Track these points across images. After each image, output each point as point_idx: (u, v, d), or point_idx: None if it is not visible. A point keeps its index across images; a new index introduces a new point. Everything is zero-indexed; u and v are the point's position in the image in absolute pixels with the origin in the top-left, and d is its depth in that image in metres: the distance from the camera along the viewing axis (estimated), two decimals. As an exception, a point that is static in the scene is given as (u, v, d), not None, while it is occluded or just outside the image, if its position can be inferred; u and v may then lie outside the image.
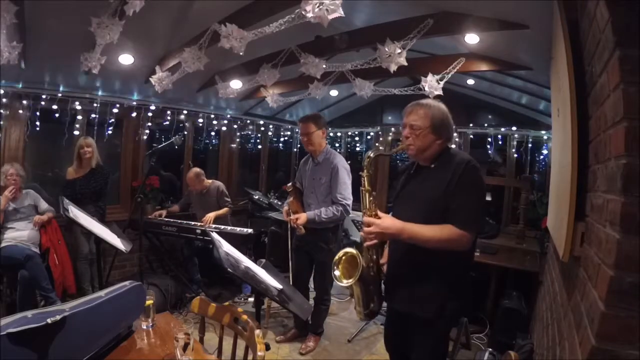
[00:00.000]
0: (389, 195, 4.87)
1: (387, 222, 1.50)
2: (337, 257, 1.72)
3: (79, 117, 3.50)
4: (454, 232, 1.41)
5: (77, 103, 3.42)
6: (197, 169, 3.73)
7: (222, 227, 3.49)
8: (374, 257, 1.65)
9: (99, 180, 3.34)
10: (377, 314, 1.73)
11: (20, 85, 3.15)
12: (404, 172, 1.78)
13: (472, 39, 2.38)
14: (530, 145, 4.04)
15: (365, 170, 1.65)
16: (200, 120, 4.44)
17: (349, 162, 2.89)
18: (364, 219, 1.57)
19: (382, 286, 1.72)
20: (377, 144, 5.23)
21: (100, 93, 3.56)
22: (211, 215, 3.52)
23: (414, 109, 1.57)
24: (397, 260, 1.64)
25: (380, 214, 1.57)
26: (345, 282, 1.65)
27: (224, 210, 3.65)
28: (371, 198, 1.61)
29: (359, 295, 1.68)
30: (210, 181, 3.81)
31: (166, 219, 3.66)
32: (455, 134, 4.11)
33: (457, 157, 1.52)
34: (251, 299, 3.57)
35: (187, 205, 3.96)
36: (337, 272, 1.70)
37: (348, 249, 1.73)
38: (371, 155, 1.67)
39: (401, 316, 1.65)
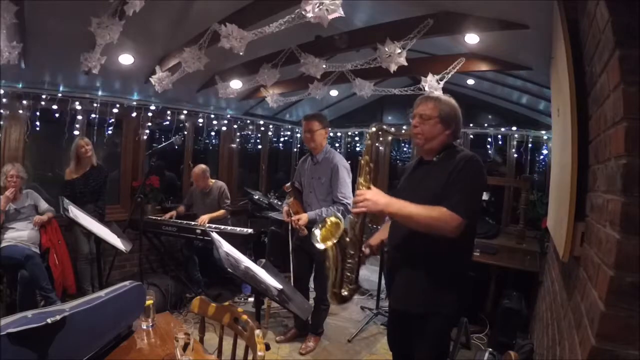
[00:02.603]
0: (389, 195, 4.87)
1: (377, 193, 1.50)
2: (323, 221, 1.70)
3: (79, 117, 3.50)
4: (444, 212, 1.39)
5: (77, 103, 3.42)
6: (203, 166, 3.74)
7: (222, 227, 3.49)
8: (359, 235, 1.60)
9: (97, 179, 3.34)
10: (348, 300, 1.68)
11: (20, 85, 3.15)
12: (406, 170, 1.78)
13: (472, 39, 2.38)
14: (530, 145, 4.04)
15: (368, 139, 1.62)
16: (200, 120, 4.44)
17: (349, 162, 2.88)
18: (357, 190, 1.54)
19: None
20: (377, 144, 5.23)
21: (100, 93, 3.56)
22: (205, 218, 3.50)
23: (424, 101, 1.59)
24: (394, 257, 1.65)
25: (372, 186, 1.56)
26: (322, 245, 1.61)
27: (220, 212, 3.64)
28: (367, 169, 1.59)
29: (334, 271, 1.63)
30: (213, 181, 3.82)
31: (166, 219, 3.66)
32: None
33: (460, 153, 1.53)
34: (251, 299, 3.57)
35: (190, 205, 3.96)
36: (317, 231, 1.67)
37: (335, 218, 1.69)
38: (373, 128, 1.63)
39: (402, 316, 1.65)
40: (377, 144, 5.14)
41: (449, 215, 1.38)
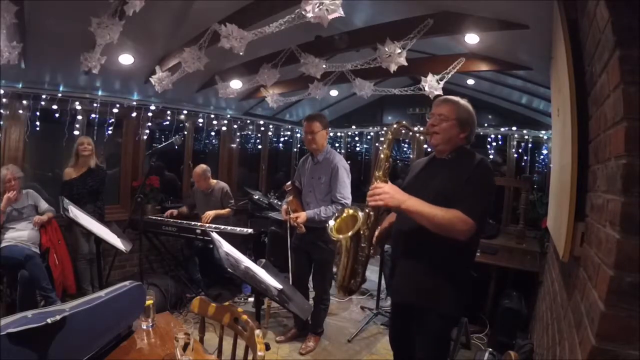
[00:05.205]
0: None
1: (395, 187, 1.50)
2: (339, 212, 1.69)
3: (79, 117, 3.49)
4: (458, 215, 1.40)
5: (77, 103, 3.42)
6: (204, 166, 3.74)
7: (222, 227, 3.49)
8: (372, 229, 1.60)
9: (96, 179, 3.33)
10: (354, 292, 1.68)
11: (20, 85, 3.15)
12: (415, 166, 1.79)
13: (472, 39, 2.38)
14: (530, 145, 4.04)
15: (390, 134, 1.61)
16: (200, 120, 4.44)
17: (348, 162, 2.89)
18: (374, 183, 1.53)
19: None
20: (377, 144, 5.24)
21: (100, 93, 3.56)
22: (211, 213, 3.51)
23: (444, 103, 1.61)
24: (398, 253, 1.66)
25: (389, 182, 1.56)
26: (339, 236, 1.59)
27: (226, 210, 3.66)
28: (387, 164, 1.57)
29: (344, 264, 1.62)
30: (215, 181, 3.82)
31: (166, 219, 3.67)
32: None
33: (472, 155, 1.56)
34: (251, 299, 3.56)
35: (192, 205, 3.96)
36: (332, 222, 1.65)
37: (352, 210, 1.67)
38: (395, 125, 1.62)
39: (403, 311, 1.66)
40: (376, 144, 5.16)
41: (462, 219, 1.40)
